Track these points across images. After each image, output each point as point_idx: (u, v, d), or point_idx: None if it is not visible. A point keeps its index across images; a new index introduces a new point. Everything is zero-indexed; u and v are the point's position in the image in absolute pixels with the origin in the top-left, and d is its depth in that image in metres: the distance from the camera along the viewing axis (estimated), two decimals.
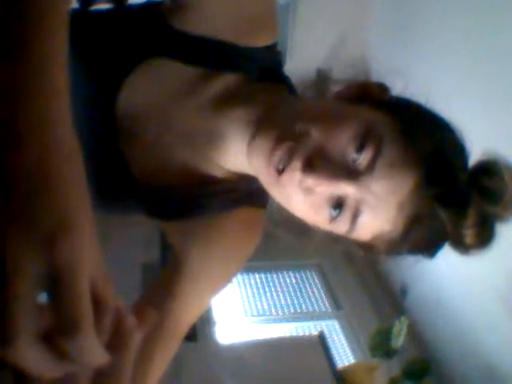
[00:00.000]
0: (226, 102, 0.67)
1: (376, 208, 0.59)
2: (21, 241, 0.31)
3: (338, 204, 0.59)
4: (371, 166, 0.57)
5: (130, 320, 0.36)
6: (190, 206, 0.70)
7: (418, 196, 0.58)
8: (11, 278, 0.30)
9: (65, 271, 0.31)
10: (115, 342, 0.35)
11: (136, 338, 0.36)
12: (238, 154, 0.67)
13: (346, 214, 0.60)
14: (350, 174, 0.58)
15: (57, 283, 0.31)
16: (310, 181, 0.58)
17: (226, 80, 0.68)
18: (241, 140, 0.65)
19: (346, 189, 0.58)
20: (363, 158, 0.58)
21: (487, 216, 0.59)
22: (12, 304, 0.30)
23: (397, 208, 0.58)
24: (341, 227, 0.61)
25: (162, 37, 0.68)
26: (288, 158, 0.58)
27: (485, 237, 0.59)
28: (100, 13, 0.75)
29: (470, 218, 0.58)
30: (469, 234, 0.58)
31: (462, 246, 0.60)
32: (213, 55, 0.68)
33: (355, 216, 0.59)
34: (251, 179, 0.69)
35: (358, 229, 0.60)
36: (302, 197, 0.60)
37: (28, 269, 0.30)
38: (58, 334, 0.31)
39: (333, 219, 0.60)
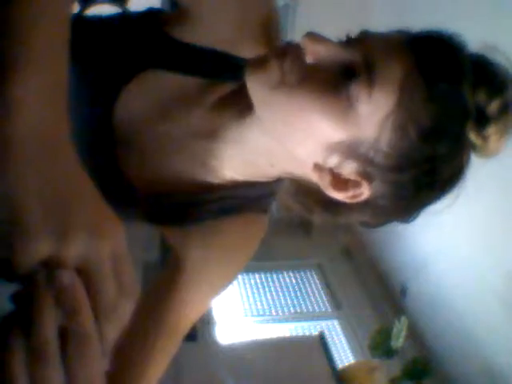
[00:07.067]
0: (224, 106, 0.67)
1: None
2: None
3: (349, 69, 0.56)
4: None
5: None
6: (187, 213, 0.70)
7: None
8: None
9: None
10: None
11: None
12: (233, 157, 0.67)
13: (361, 78, 0.55)
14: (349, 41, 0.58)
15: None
16: (315, 46, 0.57)
17: (225, 90, 0.68)
18: (235, 141, 0.65)
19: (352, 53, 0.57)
20: None
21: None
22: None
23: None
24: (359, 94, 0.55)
25: (161, 47, 0.68)
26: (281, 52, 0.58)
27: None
28: (100, 19, 0.75)
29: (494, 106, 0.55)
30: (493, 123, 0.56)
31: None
32: (212, 65, 0.68)
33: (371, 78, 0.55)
34: (248, 186, 0.69)
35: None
36: (311, 73, 0.57)
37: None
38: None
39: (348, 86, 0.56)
